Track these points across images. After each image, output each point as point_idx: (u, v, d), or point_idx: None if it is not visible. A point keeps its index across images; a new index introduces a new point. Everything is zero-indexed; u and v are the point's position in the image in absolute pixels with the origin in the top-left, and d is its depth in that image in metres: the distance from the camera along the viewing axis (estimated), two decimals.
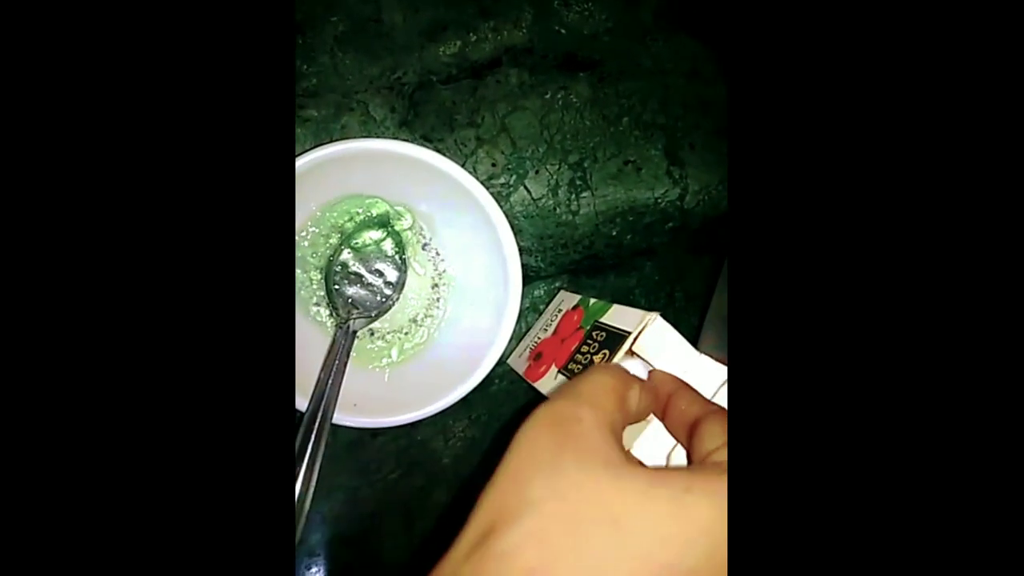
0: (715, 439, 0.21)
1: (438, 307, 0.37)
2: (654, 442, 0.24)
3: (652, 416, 0.24)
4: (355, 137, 0.33)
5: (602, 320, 0.29)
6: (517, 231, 0.34)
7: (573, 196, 0.39)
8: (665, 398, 0.23)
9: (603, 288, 0.40)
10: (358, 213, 0.35)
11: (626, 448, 0.23)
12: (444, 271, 0.37)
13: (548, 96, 0.39)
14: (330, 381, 0.32)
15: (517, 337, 0.38)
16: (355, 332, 0.34)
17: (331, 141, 0.32)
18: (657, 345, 0.26)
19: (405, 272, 0.36)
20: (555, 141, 0.39)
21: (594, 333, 0.29)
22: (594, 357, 0.28)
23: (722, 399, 0.25)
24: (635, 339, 0.26)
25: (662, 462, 0.24)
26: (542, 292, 0.39)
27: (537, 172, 0.39)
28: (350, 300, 0.35)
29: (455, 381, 0.34)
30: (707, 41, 0.41)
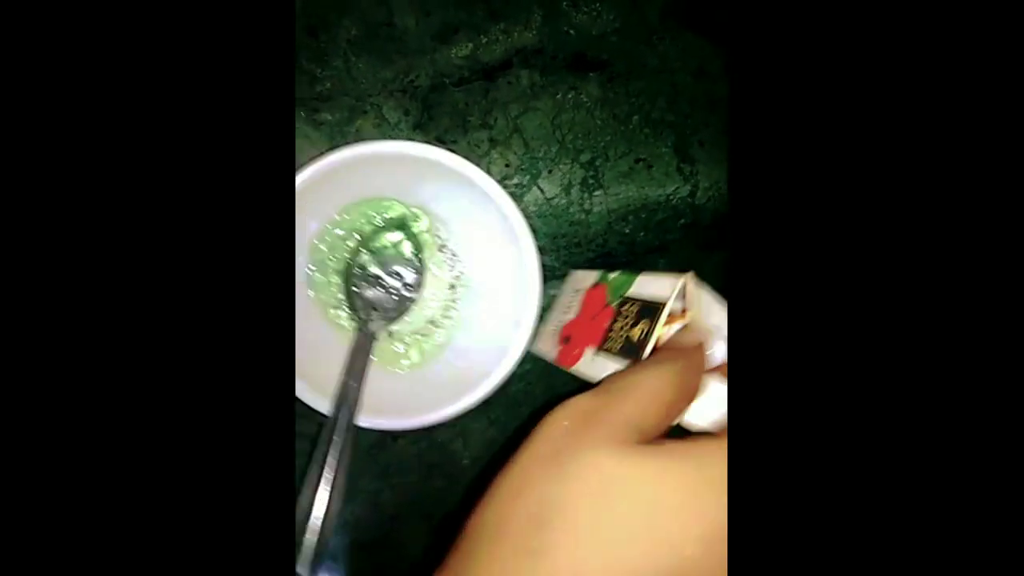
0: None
1: (455, 308, 0.37)
2: (708, 402, 0.24)
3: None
4: (370, 140, 0.33)
5: (629, 293, 0.29)
6: (531, 231, 0.34)
7: (586, 195, 0.40)
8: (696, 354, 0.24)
9: None
10: (375, 216, 0.35)
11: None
12: (461, 272, 0.37)
13: (559, 96, 0.39)
14: (353, 384, 0.32)
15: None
16: (375, 334, 0.34)
17: (346, 144, 0.32)
18: (695, 305, 0.25)
19: (423, 274, 0.36)
20: (567, 141, 0.39)
21: (624, 308, 0.29)
22: (631, 331, 0.27)
23: None
24: (674, 304, 0.25)
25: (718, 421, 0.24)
26: (557, 291, 0.39)
27: (550, 172, 0.39)
28: (370, 302, 0.35)
29: (475, 382, 0.34)
30: (713, 39, 0.41)
